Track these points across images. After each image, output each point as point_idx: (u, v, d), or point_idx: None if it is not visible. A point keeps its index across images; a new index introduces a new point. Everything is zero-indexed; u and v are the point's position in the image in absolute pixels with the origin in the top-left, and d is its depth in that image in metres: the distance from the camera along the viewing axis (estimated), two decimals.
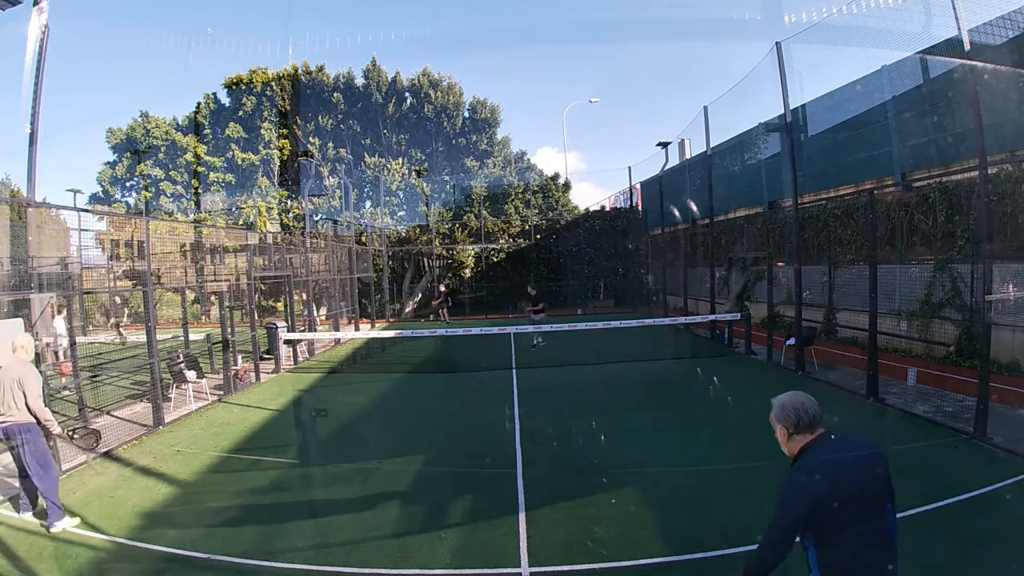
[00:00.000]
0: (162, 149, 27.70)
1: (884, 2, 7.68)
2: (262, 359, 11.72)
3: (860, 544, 2.05)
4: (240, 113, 27.24)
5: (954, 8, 6.47)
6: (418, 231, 24.87)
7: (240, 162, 26.98)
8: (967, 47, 6.51)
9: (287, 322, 13.16)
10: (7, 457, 6.53)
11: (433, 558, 4.03)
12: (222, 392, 9.73)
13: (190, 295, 20.98)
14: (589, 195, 71.86)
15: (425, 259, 24.45)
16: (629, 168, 24.62)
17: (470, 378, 10.82)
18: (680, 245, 17.97)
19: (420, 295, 24.43)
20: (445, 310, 21.12)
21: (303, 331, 13.62)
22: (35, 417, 4.64)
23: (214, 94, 28.33)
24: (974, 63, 6.58)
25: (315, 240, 17.65)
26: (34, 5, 6.15)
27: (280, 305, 20.20)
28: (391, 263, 23.91)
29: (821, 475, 2.04)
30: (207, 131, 28.01)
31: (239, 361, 11.14)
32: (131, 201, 29.10)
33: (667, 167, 19.83)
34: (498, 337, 14.23)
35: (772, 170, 14.65)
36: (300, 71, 28.77)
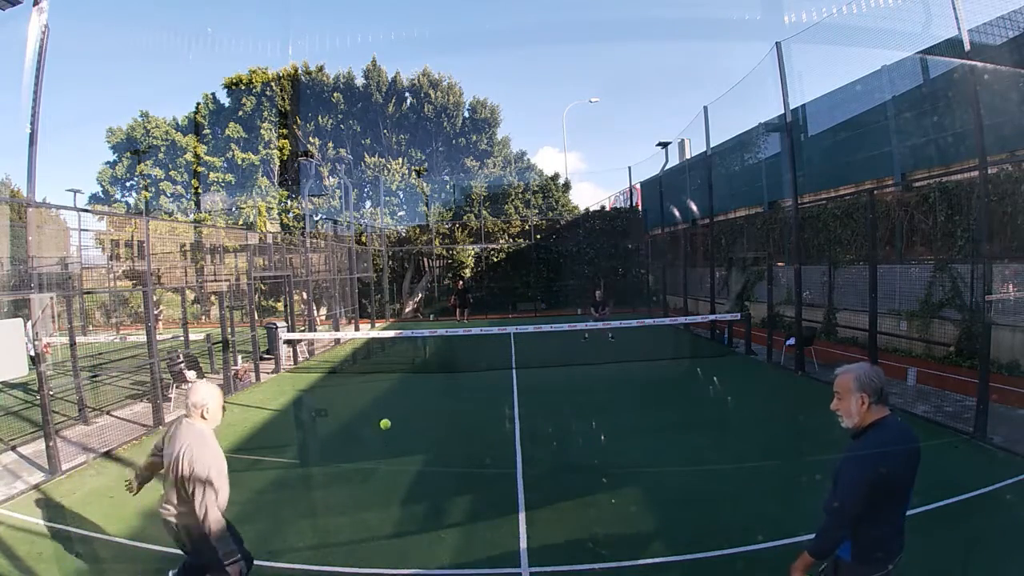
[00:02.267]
0: (162, 149, 27.70)
1: (884, 2, 7.67)
2: (262, 359, 11.71)
3: (893, 525, 2.13)
4: (240, 113, 27.23)
5: (954, 8, 6.47)
6: (418, 231, 24.86)
7: (240, 162, 26.97)
8: (967, 47, 6.51)
9: (287, 322, 13.16)
10: (8, 456, 6.56)
11: (433, 558, 4.03)
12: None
13: (190, 295, 20.98)
14: (589, 195, 71.84)
15: (425, 259, 24.45)
16: (629, 168, 24.67)
17: (470, 378, 10.81)
18: (680, 245, 17.97)
19: (420, 295, 24.44)
20: (466, 310, 21.08)
21: (303, 331, 13.63)
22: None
23: (213, 94, 28.34)
24: (974, 63, 6.57)
25: (315, 240, 17.65)
26: (34, 5, 6.15)
27: (280, 305, 20.20)
28: (391, 263, 23.90)
29: (889, 454, 2.09)
30: (207, 131, 28.01)
31: (239, 361, 11.14)
32: (131, 201, 29.11)
33: (667, 167, 19.84)
34: (498, 337, 14.22)
35: (772, 170, 14.66)
36: (300, 71, 28.76)
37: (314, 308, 15.48)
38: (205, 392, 3.06)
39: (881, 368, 2.26)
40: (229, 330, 10.86)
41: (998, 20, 7.27)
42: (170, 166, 27.80)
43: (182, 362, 9.24)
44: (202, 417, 3.02)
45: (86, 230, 14.80)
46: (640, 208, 24.39)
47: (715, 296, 14.63)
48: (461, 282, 22.34)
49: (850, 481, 2.10)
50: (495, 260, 24.23)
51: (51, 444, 5.95)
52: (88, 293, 15.65)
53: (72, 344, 8.07)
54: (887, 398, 2.17)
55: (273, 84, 27.24)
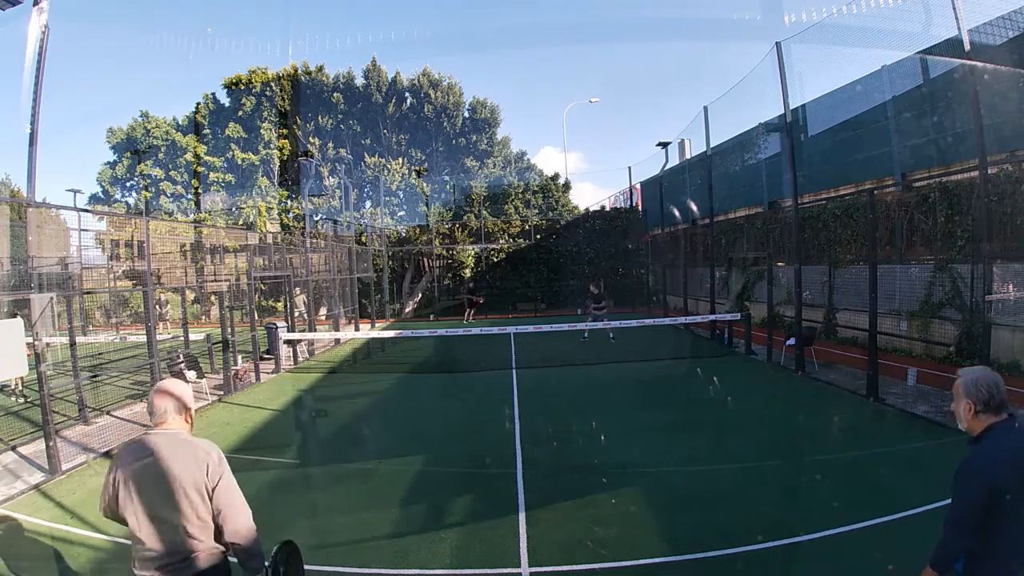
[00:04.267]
0: (162, 149, 27.71)
1: (884, 2, 7.68)
2: (262, 359, 11.72)
3: (1010, 537, 2.02)
4: (240, 113, 27.24)
5: (954, 8, 6.48)
6: (418, 231, 24.87)
7: (240, 162, 26.98)
8: (967, 47, 6.52)
9: (287, 322, 13.17)
10: (8, 456, 6.56)
11: (433, 558, 4.03)
12: (222, 392, 9.73)
13: (190, 295, 20.99)
14: (589, 195, 71.92)
15: (425, 259, 24.46)
16: (629, 168, 24.68)
17: (470, 378, 10.81)
18: (680, 245, 17.97)
19: (420, 295, 24.46)
20: (470, 310, 21.17)
21: (303, 331, 13.63)
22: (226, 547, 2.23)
23: (213, 94, 28.36)
24: (974, 63, 6.58)
25: (315, 240, 17.66)
26: (34, 5, 6.15)
27: (280, 305, 20.21)
28: (391, 263, 23.91)
29: (1002, 460, 2.01)
30: (207, 131, 28.02)
31: (239, 361, 11.14)
32: (131, 201, 29.12)
33: (667, 167, 19.84)
34: (498, 337, 14.23)
35: (772, 170, 14.66)
36: (300, 71, 28.76)
37: (299, 306, 15.47)
38: (179, 390, 2.33)
39: (995, 375, 2.15)
40: (229, 330, 10.86)
41: (998, 20, 7.29)
42: (170, 166, 27.81)
43: (182, 362, 9.24)
44: (188, 422, 2.34)
45: (86, 230, 14.82)
46: (640, 208, 24.39)
47: (715, 296, 14.64)
48: (472, 284, 22.55)
49: (962, 489, 2.05)
50: (495, 260, 24.24)
51: (51, 444, 5.96)
52: (88, 293, 15.65)
53: (72, 344, 8.07)
54: (1003, 405, 2.08)
55: (273, 84, 27.24)
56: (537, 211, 25.34)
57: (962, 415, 2.15)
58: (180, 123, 28.50)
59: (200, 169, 27.13)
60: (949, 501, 2.14)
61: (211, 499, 2.17)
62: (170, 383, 2.35)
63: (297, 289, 14.84)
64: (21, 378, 8.82)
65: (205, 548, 2.18)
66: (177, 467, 2.14)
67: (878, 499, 4.59)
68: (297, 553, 2.41)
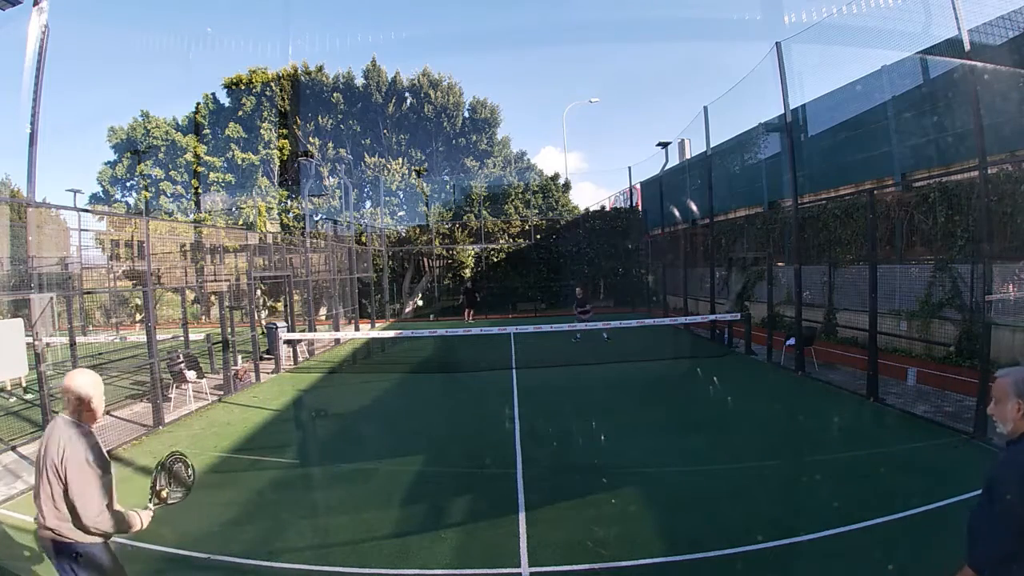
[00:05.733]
0: (162, 149, 27.69)
1: (884, 2, 7.68)
2: (262, 359, 11.72)
3: None
4: (240, 113, 27.23)
5: (954, 8, 6.48)
6: (418, 231, 24.87)
7: (240, 162, 26.97)
8: (967, 47, 6.51)
9: (287, 322, 13.17)
10: (8, 456, 6.56)
11: (433, 558, 4.03)
12: (222, 392, 9.73)
13: (190, 295, 20.99)
14: (589, 195, 71.78)
15: (425, 259, 24.46)
16: (629, 168, 24.65)
17: (470, 378, 10.81)
18: (680, 245, 17.98)
19: (420, 295, 24.47)
20: (470, 310, 21.18)
21: (303, 331, 13.62)
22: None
23: (213, 94, 28.34)
24: (974, 63, 6.58)
25: (315, 240, 17.66)
26: (34, 5, 6.15)
27: (280, 305, 20.22)
28: (391, 263, 23.90)
29: None
30: (207, 131, 28.00)
31: (239, 361, 11.14)
32: (131, 201, 29.12)
33: (667, 167, 19.83)
34: (498, 337, 14.23)
35: (772, 170, 14.64)
36: (300, 71, 28.75)
37: (280, 304, 15.47)
38: (83, 381, 2.62)
39: None
40: (229, 330, 10.86)
41: (998, 20, 7.29)
42: (170, 166, 27.80)
43: (182, 362, 9.24)
44: (89, 411, 2.66)
45: (86, 230, 14.85)
46: (640, 208, 24.38)
47: (715, 296, 14.63)
48: (471, 283, 22.58)
49: (1008, 490, 1.95)
50: (495, 260, 24.23)
51: None
52: (88, 293, 15.65)
53: (72, 344, 8.07)
54: None
55: (273, 84, 27.23)
56: (537, 211, 25.33)
57: (1010, 416, 2.01)
58: (180, 123, 28.49)
59: (200, 169, 27.12)
60: (979, 501, 2.06)
61: (64, 482, 2.47)
62: (73, 376, 2.64)
63: (262, 293, 14.87)
64: (20, 378, 8.83)
65: (63, 523, 2.49)
66: (47, 449, 2.52)
67: (878, 499, 4.59)
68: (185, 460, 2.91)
